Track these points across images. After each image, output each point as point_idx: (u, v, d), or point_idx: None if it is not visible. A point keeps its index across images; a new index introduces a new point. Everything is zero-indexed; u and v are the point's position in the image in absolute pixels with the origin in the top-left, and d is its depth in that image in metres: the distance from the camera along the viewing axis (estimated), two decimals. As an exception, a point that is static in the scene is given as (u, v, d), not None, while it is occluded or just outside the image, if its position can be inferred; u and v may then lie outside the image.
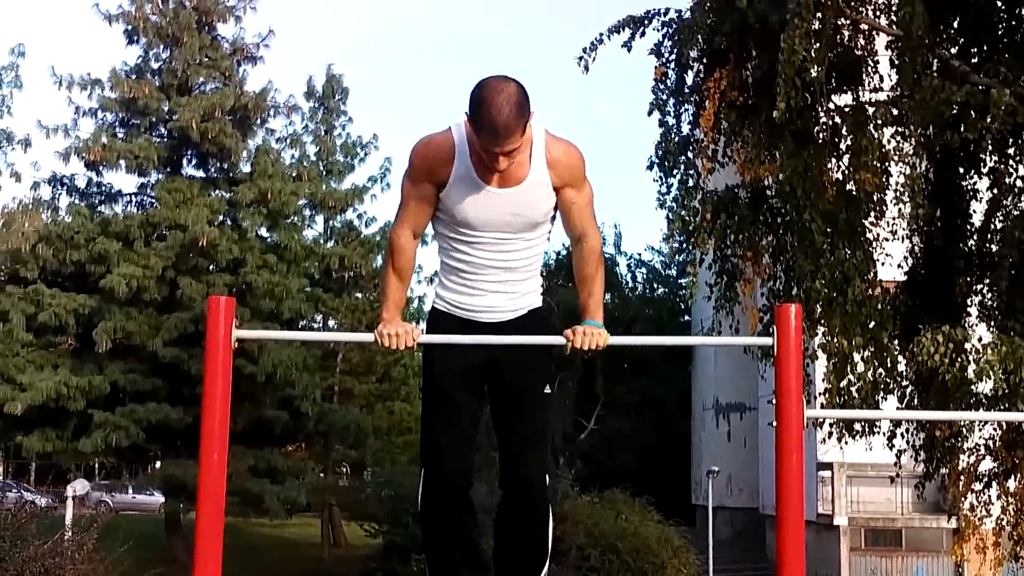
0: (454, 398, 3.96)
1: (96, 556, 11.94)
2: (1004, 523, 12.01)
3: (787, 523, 4.00)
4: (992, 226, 12.15)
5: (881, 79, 11.30)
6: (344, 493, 32.29)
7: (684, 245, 11.83)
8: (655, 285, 50.91)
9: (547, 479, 4.01)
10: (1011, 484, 12.10)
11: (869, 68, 11.29)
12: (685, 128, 11.53)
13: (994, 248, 12.11)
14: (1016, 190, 11.55)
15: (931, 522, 27.08)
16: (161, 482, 28.34)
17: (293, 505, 28.45)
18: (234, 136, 27.91)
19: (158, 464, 31.79)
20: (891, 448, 12.62)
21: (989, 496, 12.49)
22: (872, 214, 11.11)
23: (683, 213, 11.26)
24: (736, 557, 31.56)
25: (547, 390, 4.01)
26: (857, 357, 10.54)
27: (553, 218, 3.98)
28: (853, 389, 10.64)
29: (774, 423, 3.99)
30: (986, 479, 12.39)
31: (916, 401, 11.16)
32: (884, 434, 12.47)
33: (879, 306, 10.99)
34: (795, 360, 4.01)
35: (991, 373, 9.55)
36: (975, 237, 12.10)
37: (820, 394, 12.07)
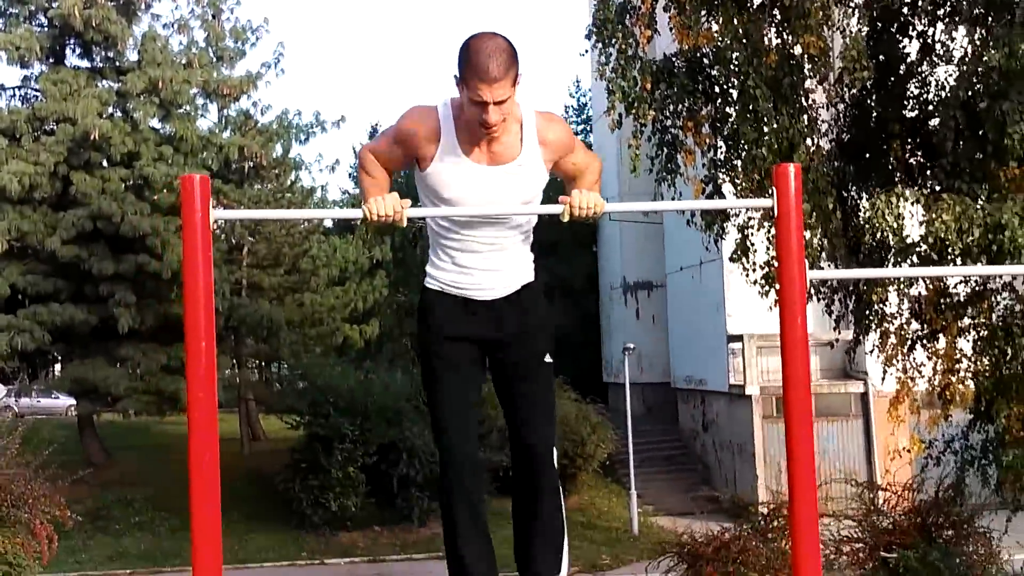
0: (457, 375, 3.94)
1: (20, 460, 11.60)
2: (936, 383, 12.27)
3: (794, 386, 3.86)
4: (908, 92, 12.17)
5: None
6: (259, 388, 32.01)
7: (624, 116, 11.59)
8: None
9: (553, 449, 3.99)
10: (940, 345, 12.33)
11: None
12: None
13: (913, 114, 12.15)
14: (941, 53, 11.55)
15: (839, 388, 27.84)
16: (71, 385, 27.75)
17: (209, 402, 28.08)
18: (119, 23, 26.90)
19: (58, 367, 31.06)
20: (830, 314, 12.76)
21: (914, 359, 12.73)
22: (816, 77, 10.99)
23: (623, 83, 11.02)
24: (651, 430, 32.22)
25: (548, 359, 3.99)
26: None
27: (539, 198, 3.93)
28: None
29: (775, 290, 3.86)
30: (910, 341, 12.61)
31: (854, 264, 11.22)
32: (822, 300, 12.58)
33: (823, 171, 10.95)
34: (796, 220, 3.87)
35: (948, 234, 9.60)
36: (910, 101, 12.09)
37: (763, 264, 12.09)
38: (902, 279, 11.98)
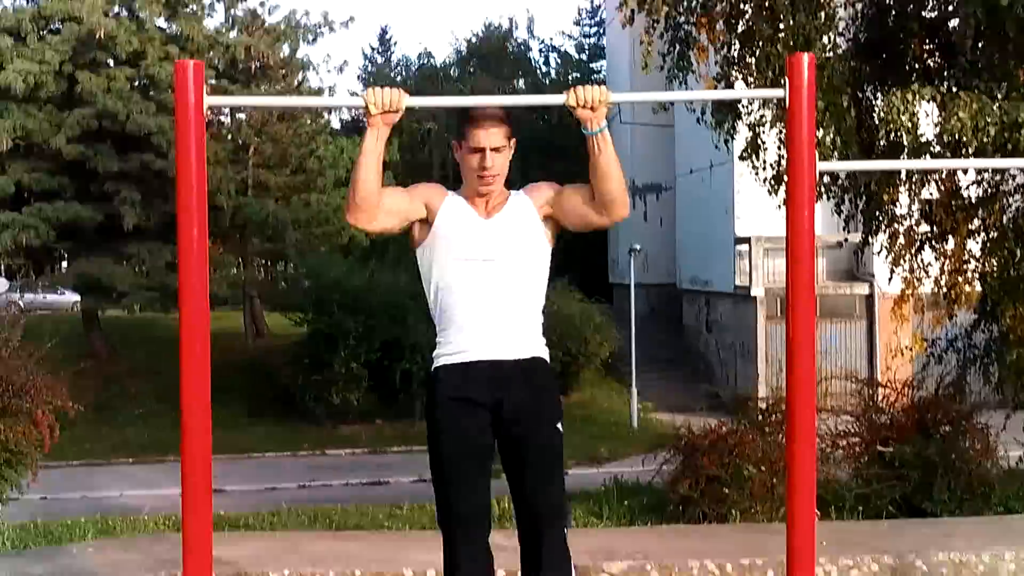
0: (464, 443, 3.83)
1: (23, 353, 11.66)
2: (943, 283, 12.22)
3: (799, 275, 3.84)
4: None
5: None
6: (264, 285, 32.10)
7: (636, 12, 11.32)
8: (568, 70, 50.37)
9: (564, 524, 3.93)
10: (948, 246, 12.25)
11: None
12: None
13: (933, 15, 11.92)
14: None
15: (845, 289, 27.88)
16: (76, 280, 27.91)
17: (213, 298, 28.22)
18: (124, -81, 26.39)
19: (64, 264, 31.14)
20: (839, 214, 12.67)
21: (922, 259, 12.67)
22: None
23: (638, -22, 10.77)
24: (654, 331, 32.42)
25: (559, 426, 3.92)
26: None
27: (543, 267, 3.95)
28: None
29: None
30: (919, 243, 12.54)
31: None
32: (832, 199, 12.47)
33: (838, 69, 10.74)
34: (808, 111, 3.81)
35: (964, 131, 9.45)
36: (930, 1, 11.83)
37: (776, 162, 11.98)
38: (914, 180, 11.84)
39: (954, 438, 9.68)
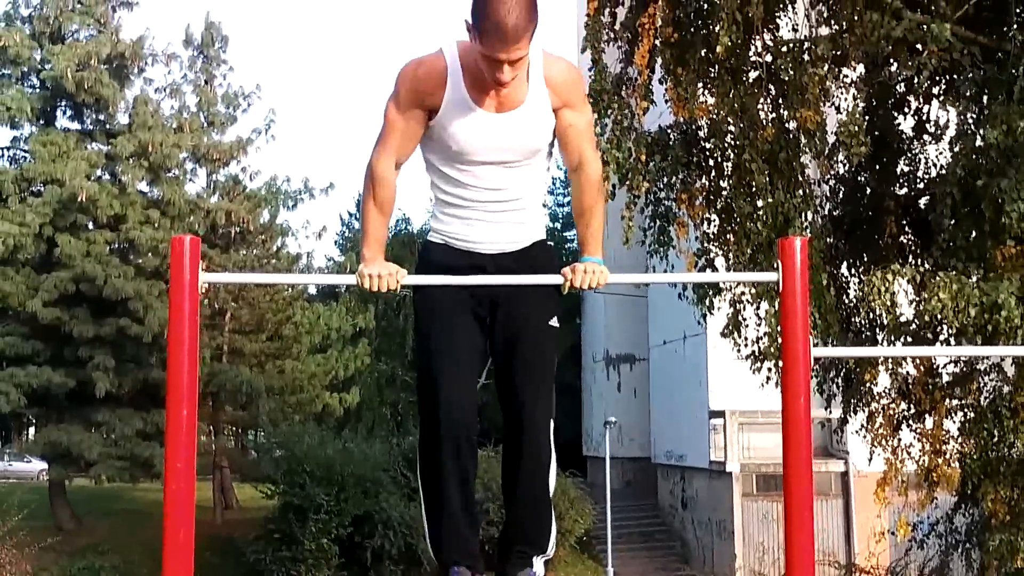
0: (454, 326, 3.66)
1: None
2: (923, 464, 12.14)
3: (794, 469, 3.76)
4: (901, 169, 12.28)
5: (817, 21, 11.06)
6: (234, 455, 31.60)
7: (617, 187, 11.51)
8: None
9: (551, 420, 3.73)
10: (927, 425, 12.23)
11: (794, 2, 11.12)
12: (618, 66, 11.27)
13: (903, 192, 12.22)
14: (934, 132, 11.65)
15: (820, 466, 27.56)
16: (44, 449, 27.37)
17: (182, 468, 27.70)
18: (111, 86, 27.05)
19: (32, 431, 30.66)
20: (821, 393, 12.68)
21: (900, 439, 12.63)
22: (811, 152, 10.98)
23: (617, 154, 10.97)
24: (629, 505, 31.96)
25: (554, 323, 3.75)
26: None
27: (551, 150, 3.72)
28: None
29: (772, 366, 3.83)
30: (896, 421, 12.52)
31: (848, 343, 11.15)
32: (815, 378, 12.45)
33: (817, 246, 10.90)
34: (801, 295, 3.79)
35: (945, 312, 9.55)
36: (902, 178, 12.14)
37: (756, 340, 11.99)
38: (891, 358, 11.93)
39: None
